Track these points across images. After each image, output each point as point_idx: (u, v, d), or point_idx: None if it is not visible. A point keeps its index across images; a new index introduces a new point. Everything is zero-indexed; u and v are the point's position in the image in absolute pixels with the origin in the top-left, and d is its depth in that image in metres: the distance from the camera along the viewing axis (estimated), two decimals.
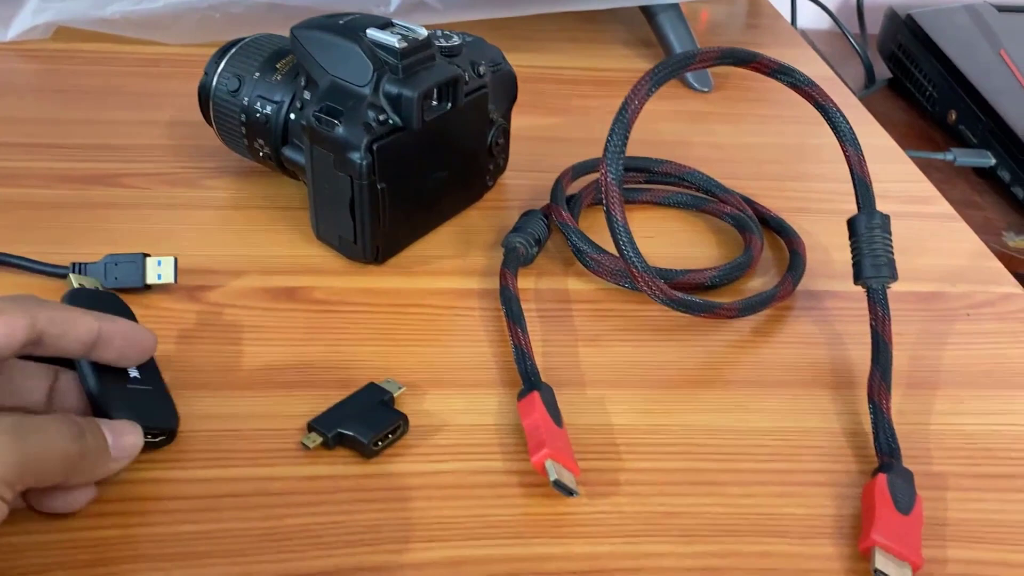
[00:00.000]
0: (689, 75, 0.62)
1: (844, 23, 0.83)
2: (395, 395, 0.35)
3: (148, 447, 0.31)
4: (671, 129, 0.57)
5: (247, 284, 0.40)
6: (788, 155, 0.55)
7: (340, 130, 0.38)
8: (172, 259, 0.39)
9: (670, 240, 0.46)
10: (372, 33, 0.39)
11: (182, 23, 0.58)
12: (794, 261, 0.43)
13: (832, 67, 0.80)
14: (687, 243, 0.46)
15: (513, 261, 0.41)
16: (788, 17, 0.83)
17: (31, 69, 0.57)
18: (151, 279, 0.38)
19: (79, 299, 0.33)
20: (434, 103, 0.40)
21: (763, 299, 0.40)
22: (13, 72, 0.57)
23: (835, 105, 0.38)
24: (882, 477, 0.32)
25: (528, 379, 0.35)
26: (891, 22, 0.80)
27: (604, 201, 0.36)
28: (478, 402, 0.36)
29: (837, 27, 0.81)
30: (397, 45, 0.38)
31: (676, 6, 0.64)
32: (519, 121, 0.49)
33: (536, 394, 0.34)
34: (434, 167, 0.42)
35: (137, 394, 0.31)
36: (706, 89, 0.62)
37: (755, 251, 0.43)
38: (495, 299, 0.40)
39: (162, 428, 0.32)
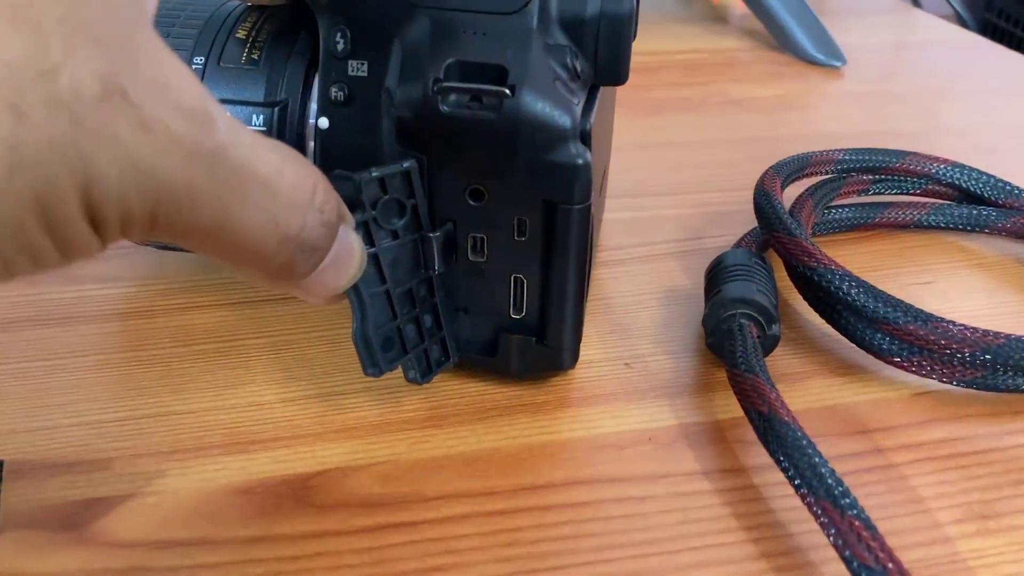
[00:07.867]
0: (810, 46, 0.42)
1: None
2: None
3: None
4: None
5: None
6: None
7: None
8: None
9: (959, 287, 0.25)
10: None
11: None
12: None
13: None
14: (985, 289, 0.25)
15: (752, 359, 0.19)
16: None
17: None
18: None
19: None
20: None
21: None
22: None
23: None
24: None
25: None
26: None
27: None
28: None
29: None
30: None
31: None
32: None
33: None
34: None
35: None
36: (838, 64, 0.42)
37: None
38: (719, 446, 0.19)
39: None
